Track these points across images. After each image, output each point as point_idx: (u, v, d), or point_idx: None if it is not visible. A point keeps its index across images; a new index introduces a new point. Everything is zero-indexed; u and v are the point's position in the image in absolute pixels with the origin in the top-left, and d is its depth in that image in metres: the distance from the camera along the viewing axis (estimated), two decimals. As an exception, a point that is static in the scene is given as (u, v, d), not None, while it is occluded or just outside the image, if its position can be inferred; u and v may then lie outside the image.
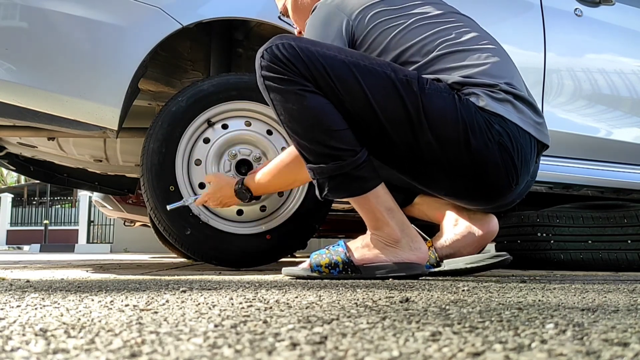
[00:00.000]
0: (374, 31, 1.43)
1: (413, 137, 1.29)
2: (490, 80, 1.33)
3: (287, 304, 0.81)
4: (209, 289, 1.05)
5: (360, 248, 1.38)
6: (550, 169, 2.26)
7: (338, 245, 1.41)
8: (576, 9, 2.37)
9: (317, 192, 1.38)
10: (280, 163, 1.57)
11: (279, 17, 1.79)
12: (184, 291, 1.00)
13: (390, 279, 1.34)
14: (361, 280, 1.32)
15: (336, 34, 1.43)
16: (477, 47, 1.40)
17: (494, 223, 1.59)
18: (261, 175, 1.62)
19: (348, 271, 1.37)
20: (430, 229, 1.65)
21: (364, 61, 1.30)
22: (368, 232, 1.40)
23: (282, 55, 1.28)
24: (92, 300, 0.86)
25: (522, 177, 1.38)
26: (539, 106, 2.24)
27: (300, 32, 1.67)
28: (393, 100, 1.28)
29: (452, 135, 1.28)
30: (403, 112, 1.28)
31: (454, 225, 1.60)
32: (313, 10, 1.51)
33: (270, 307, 0.76)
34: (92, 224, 17.38)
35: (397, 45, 1.40)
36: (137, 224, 5.23)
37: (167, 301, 0.84)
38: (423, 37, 1.39)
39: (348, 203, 1.45)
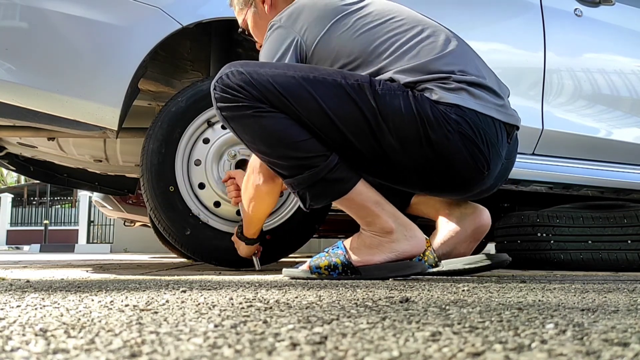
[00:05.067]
0: (322, 42, 1.40)
1: (375, 141, 1.29)
2: (442, 73, 1.32)
3: (287, 304, 0.81)
4: (209, 289, 1.05)
5: (357, 248, 1.38)
6: (550, 169, 2.26)
7: (337, 247, 1.41)
8: (576, 9, 2.37)
9: (301, 205, 1.38)
10: (245, 201, 1.60)
11: (240, 33, 1.73)
12: (184, 291, 1.00)
13: (390, 279, 1.34)
14: (361, 280, 1.32)
15: (287, 52, 1.40)
16: (426, 42, 1.36)
17: (485, 217, 1.61)
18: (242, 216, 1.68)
19: (347, 273, 1.37)
20: (430, 230, 1.65)
21: (314, 73, 1.29)
22: (361, 230, 1.40)
23: (232, 83, 1.29)
24: (92, 300, 0.86)
25: (493, 161, 1.36)
26: (539, 105, 2.24)
27: (261, 46, 1.58)
28: (348, 107, 1.27)
29: (412, 133, 1.28)
30: (360, 117, 1.27)
31: (447, 223, 1.62)
32: (269, 29, 1.47)
33: (270, 307, 0.76)
34: (92, 224, 17.38)
35: (346, 52, 1.38)
36: (137, 224, 5.23)
37: (167, 301, 0.84)
38: (370, 42, 1.37)
39: None
